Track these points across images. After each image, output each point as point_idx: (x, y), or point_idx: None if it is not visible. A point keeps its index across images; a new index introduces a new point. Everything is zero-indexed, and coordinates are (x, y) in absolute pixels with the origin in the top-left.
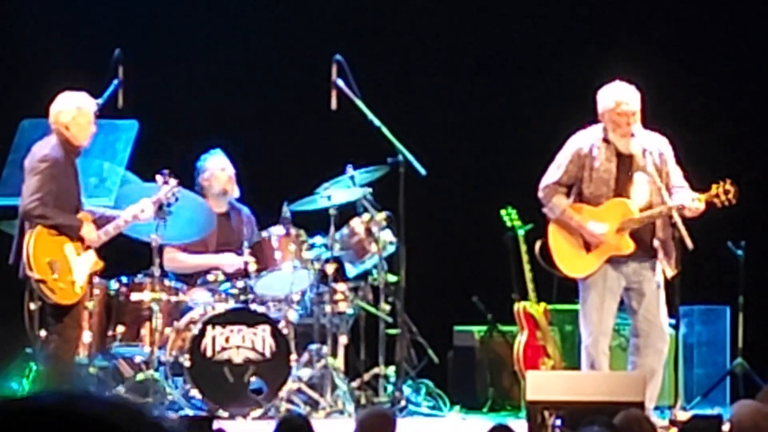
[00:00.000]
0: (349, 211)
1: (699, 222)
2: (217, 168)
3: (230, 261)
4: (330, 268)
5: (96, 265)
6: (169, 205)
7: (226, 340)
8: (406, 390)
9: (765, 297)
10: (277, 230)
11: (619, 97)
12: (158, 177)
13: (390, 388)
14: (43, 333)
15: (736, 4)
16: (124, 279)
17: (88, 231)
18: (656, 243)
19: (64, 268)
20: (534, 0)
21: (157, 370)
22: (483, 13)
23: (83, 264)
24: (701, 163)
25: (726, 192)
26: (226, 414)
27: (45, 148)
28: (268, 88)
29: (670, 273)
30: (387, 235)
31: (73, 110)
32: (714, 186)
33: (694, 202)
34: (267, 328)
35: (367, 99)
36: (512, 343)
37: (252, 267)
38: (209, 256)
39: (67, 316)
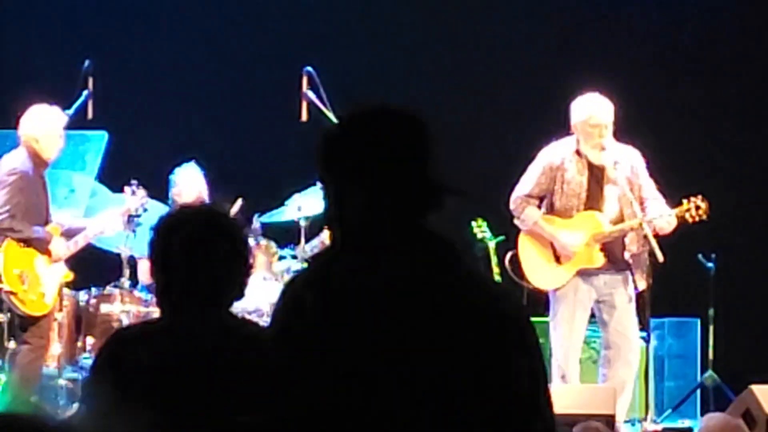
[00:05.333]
0: (319, 222)
1: (669, 234)
2: (187, 181)
3: None
4: None
5: (65, 277)
6: (138, 216)
7: None
8: None
9: (735, 310)
10: None
11: (592, 109)
12: (126, 188)
13: None
14: (11, 344)
15: (708, 17)
16: (94, 290)
17: (56, 245)
18: (627, 256)
19: (34, 279)
20: (505, 12)
21: None
22: (454, 26)
23: (53, 276)
24: (672, 177)
25: (697, 208)
26: None
27: (14, 161)
28: (238, 99)
29: (642, 285)
30: None
31: (44, 124)
32: (685, 201)
33: (669, 217)
34: None
35: (337, 110)
36: None
37: None
38: None
39: (35, 327)
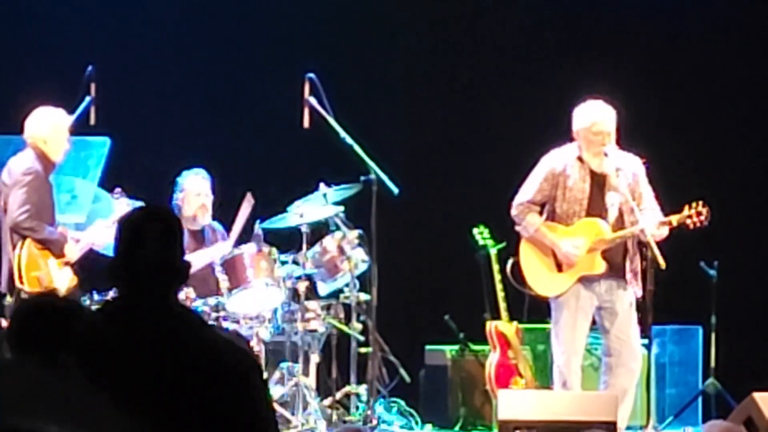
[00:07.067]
0: (321, 229)
1: (671, 242)
2: (192, 191)
3: (219, 250)
4: (302, 286)
5: (71, 282)
6: None
7: None
8: (378, 408)
9: (737, 317)
10: (249, 248)
11: (595, 116)
12: (113, 197)
13: (361, 406)
14: None
15: (709, 23)
16: (96, 296)
17: (70, 247)
18: (628, 263)
19: (49, 283)
20: (507, 19)
21: None
22: (455, 32)
23: (63, 279)
24: (674, 184)
25: (698, 214)
26: None
27: (27, 161)
28: (241, 105)
29: (639, 293)
30: (359, 254)
31: (51, 125)
32: (686, 207)
33: (658, 229)
34: None
35: (339, 117)
36: (484, 362)
37: (224, 284)
38: (202, 252)
39: None
